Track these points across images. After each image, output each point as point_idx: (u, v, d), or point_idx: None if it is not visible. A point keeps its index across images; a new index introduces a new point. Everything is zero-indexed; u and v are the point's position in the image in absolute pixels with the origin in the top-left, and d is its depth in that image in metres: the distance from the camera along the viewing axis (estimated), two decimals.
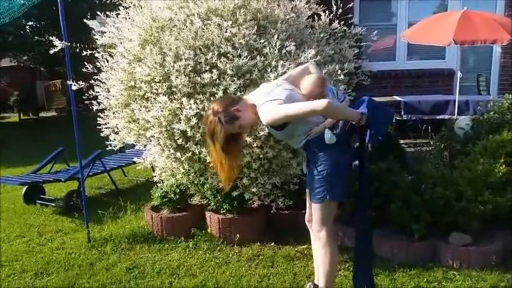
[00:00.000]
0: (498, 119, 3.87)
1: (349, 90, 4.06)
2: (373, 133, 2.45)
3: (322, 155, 2.48)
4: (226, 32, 3.30)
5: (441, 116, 5.57)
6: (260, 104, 2.46)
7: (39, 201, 5.15)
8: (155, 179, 4.05)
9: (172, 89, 3.31)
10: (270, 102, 2.41)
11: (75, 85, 3.67)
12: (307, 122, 2.49)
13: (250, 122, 2.54)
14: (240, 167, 3.39)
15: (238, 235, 3.67)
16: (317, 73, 2.67)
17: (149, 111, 3.40)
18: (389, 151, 3.80)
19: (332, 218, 2.62)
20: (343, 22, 3.95)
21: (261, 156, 3.36)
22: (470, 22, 4.83)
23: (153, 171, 4.31)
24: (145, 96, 3.46)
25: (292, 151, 3.40)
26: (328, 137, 2.41)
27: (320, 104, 2.31)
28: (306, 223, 2.80)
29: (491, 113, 3.97)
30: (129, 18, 3.63)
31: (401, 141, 4.56)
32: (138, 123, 3.57)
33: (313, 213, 2.62)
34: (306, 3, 3.83)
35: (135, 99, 3.56)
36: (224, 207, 3.77)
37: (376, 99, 6.21)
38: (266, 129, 2.90)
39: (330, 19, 3.89)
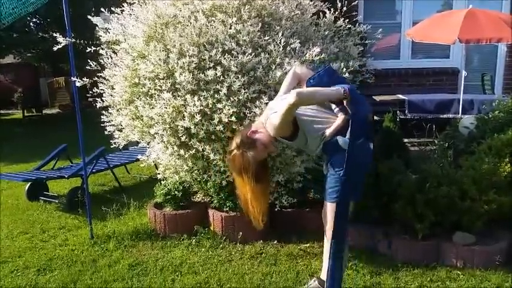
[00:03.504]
0: (503, 118, 3.85)
1: None
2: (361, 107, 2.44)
3: (338, 155, 2.48)
4: (230, 28, 3.29)
5: (445, 115, 5.56)
6: (265, 121, 2.54)
7: (42, 198, 5.16)
8: (158, 176, 4.05)
9: (176, 86, 3.30)
10: (273, 114, 2.46)
11: (79, 81, 3.67)
12: (315, 126, 2.51)
13: (269, 138, 2.54)
14: None
15: (241, 233, 3.66)
16: (305, 72, 2.68)
17: (153, 108, 3.39)
18: (393, 150, 3.78)
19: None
20: (348, 20, 3.94)
21: None
22: (476, 20, 4.80)
23: (157, 168, 4.31)
24: (149, 93, 3.45)
25: (296, 149, 3.39)
26: (341, 142, 2.44)
27: (291, 97, 2.29)
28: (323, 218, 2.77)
29: (496, 112, 3.95)
30: (134, 14, 3.63)
31: (405, 140, 4.54)
32: (142, 120, 3.56)
33: (327, 213, 2.62)
34: (311, 0, 3.82)
35: (139, 96, 3.55)
36: (227, 204, 3.77)
37: (381, 97, 6.23)
38: None
39: (334, 17, 3.88)
